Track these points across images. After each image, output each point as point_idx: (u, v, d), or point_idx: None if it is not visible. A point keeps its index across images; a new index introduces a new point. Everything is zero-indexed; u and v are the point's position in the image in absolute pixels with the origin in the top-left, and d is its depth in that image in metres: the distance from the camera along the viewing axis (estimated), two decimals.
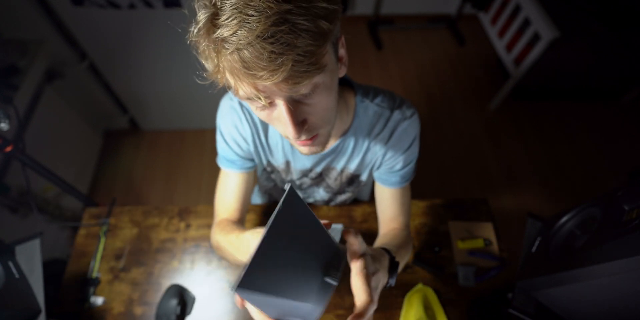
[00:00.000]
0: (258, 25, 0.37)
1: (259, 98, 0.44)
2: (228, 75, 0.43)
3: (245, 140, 0.74)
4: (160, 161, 2.11)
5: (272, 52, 0.38)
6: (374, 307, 0.43)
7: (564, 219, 0.81)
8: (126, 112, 2.10)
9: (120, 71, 1.73)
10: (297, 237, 0.39)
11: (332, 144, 0.73)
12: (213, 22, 0.39)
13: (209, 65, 0.44)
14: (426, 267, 0.89)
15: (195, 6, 0.41)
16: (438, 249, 0.93)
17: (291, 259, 0.38)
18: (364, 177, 0.83)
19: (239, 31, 0.38)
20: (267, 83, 0.40)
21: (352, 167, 0.79)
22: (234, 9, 0.37)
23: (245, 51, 0.38)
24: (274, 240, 0.35)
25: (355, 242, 0.46)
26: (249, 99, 0.46)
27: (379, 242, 0.76)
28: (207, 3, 0.39)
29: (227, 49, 0.39)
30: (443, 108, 2.42)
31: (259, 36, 0.37)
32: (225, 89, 0.50)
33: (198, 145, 2.16)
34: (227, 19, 0.38)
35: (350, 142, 0.74)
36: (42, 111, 1.52)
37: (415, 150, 0.77)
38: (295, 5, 0.38)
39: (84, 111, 1.93)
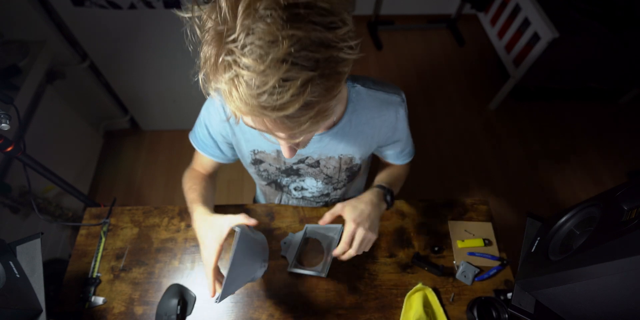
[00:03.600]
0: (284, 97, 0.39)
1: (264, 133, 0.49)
2: (235, 111, 0.45)
3: (228, 135, 0.78)
4: (161, 161, 2.11)
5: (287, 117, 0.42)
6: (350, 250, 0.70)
7: (563, 218, 0.81)
8: (127, 112, 2.10)
9: (120, 71, 1.73)
10: (248, 252, 0.67)
11: (327, 130, 0.73)
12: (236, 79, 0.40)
13: (218, 98, 0.45)
14: (426, 267, 0.90)
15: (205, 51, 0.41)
16: (438, 248, 0.93)
17: (247, 263, 0.67)
18: (360, 161, 0.83)
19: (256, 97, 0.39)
20: (282, 114, 0.42)
21: (351, 152, 0.79)
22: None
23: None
24: (236, 263, 0.62)
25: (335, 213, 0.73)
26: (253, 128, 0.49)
27: (378, 178, 0.90)
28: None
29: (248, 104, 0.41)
30: (443, 108, 2.42)
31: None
32: None
33: None
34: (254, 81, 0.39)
35: (347, 127, 0.74)
36: (43, 111, 1.52)
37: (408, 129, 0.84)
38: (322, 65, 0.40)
39: (84, 111, 1.93)
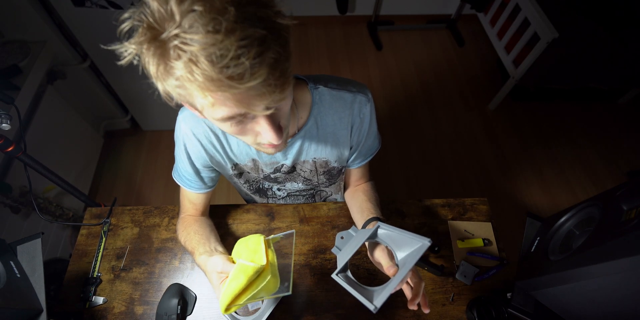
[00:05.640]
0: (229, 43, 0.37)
1: (240, 115, 0.45)
2: (202, 93, 0.41)
3: (206, 156, 0.77)
4: (161, 161, 2.11)
5: (243, 55, 0.38)
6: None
7: (563, 218, 0.82)
8: (127, 112, 2.10)
9: (121, 71, 1.73)
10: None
11: (294, 135, 0.73)
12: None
13: (181, 93, 0.43)
14: (426, 266, 0.90)
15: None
16: (438, 248, 0.93)
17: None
18: (337, 164, 0.83)
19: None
20: (252, 84, 0.40)
21: (324, 155, 0.79)
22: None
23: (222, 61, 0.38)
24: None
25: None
26: (229, 118, 0.46)
27: (359, 206, 0.85)
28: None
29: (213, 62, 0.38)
30: (442, 108, 2.42)
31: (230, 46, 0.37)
32: None
33: None
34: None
35: (313, 130, 0.73)
36: (44, 111, 1.52)
37: (375, 126, 0.81)
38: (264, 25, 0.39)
39: (85, 111, 1.93)
